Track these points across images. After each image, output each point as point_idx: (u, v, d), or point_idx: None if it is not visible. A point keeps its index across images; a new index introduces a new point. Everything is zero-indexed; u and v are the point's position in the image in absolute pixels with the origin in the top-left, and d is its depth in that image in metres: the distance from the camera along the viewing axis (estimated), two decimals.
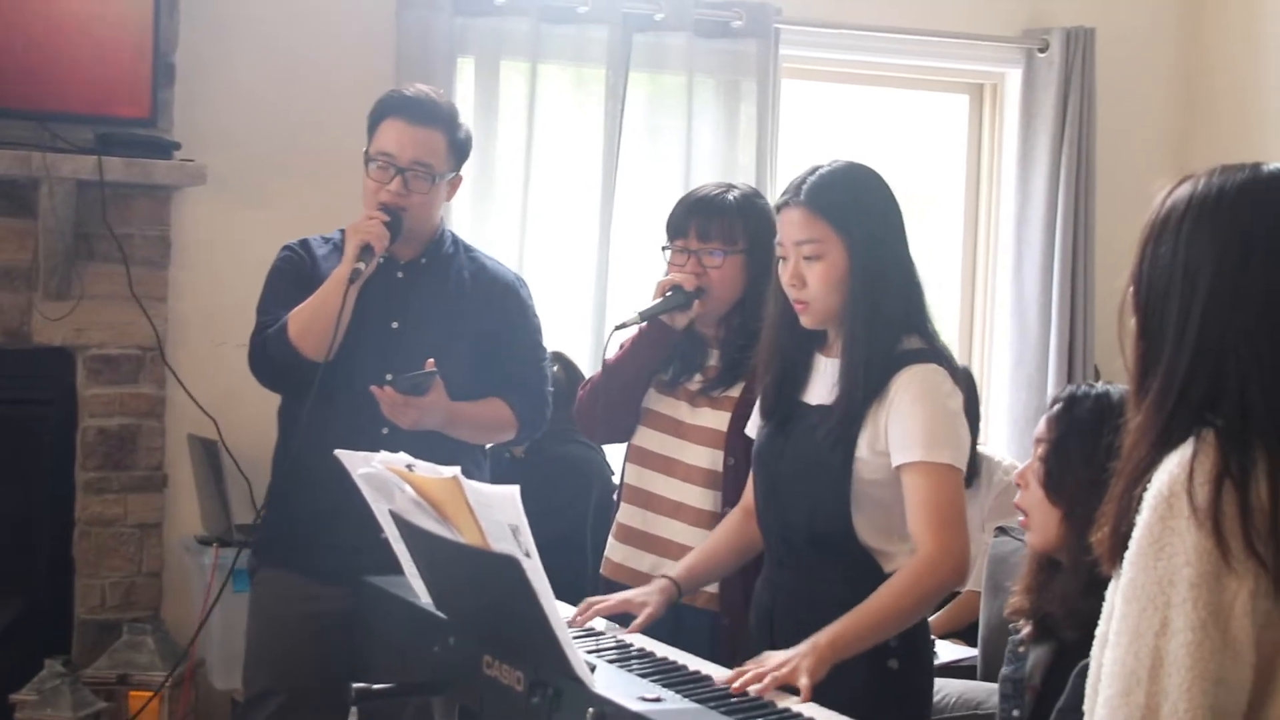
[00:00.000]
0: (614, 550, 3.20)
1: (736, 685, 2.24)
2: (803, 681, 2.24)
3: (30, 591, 4.41)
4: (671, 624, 2.82)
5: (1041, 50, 5.35)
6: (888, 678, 2.53)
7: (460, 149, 3.26)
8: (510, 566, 2.09)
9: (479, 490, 2.15)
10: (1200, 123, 5.56)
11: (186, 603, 4.40)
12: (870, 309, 2.55)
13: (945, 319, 5.60)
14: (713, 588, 2.99)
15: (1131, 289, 1.72)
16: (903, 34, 5.24)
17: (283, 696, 3.18)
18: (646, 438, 3.16)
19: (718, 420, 3.03)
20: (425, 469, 2.28)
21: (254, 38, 4.53)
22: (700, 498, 3.04)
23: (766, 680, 2.24)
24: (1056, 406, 2.25)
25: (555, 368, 4.42)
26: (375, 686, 2.61)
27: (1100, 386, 2.25)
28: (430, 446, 3.01)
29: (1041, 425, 2.27)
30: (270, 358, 3.14)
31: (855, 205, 2.59)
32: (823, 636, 2.36)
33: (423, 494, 2.26)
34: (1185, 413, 1.62)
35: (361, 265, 3.06)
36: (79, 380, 4.34)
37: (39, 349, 4.31)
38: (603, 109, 4.83)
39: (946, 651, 3.96)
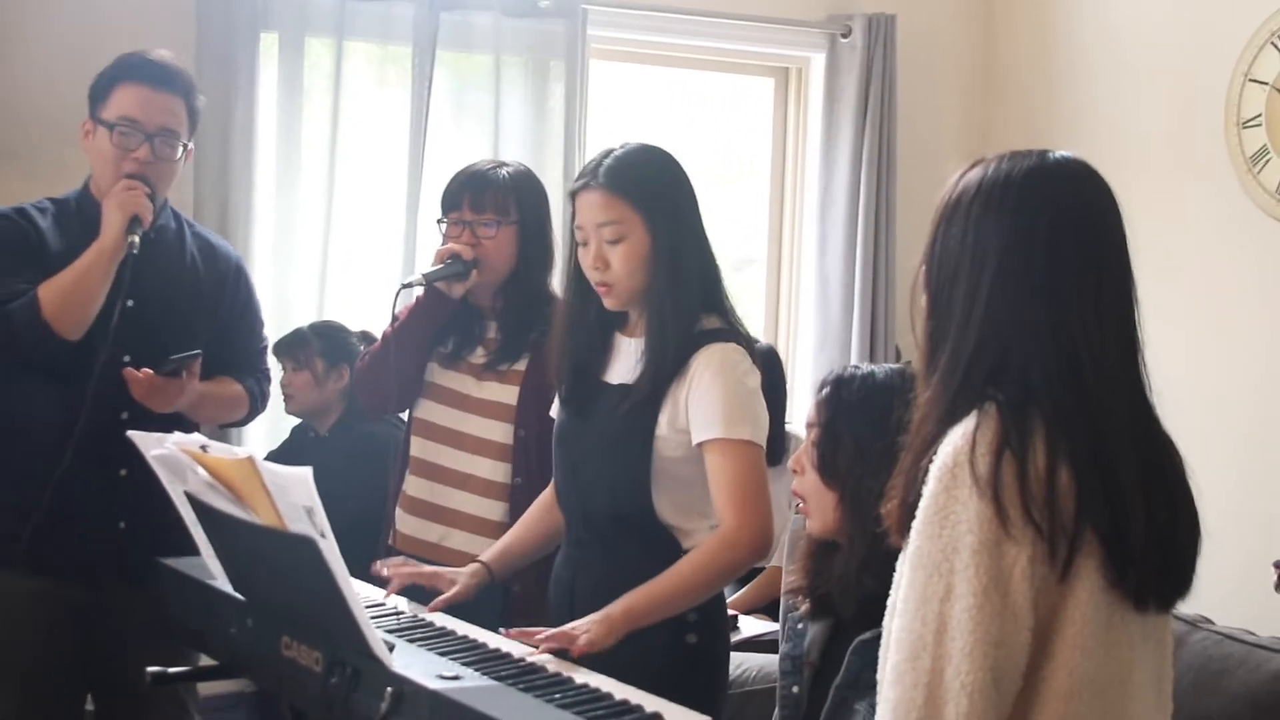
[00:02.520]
0: (403, 522, 3.23)
1: (514, 634, 2.30)
2: (580, 640, 2.30)
3: None
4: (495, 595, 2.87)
5: (844, 35, 5.44)
6: (686, 652, 2.58)
7: (195, 118, 3.17)
8: (306, 547, 2.07)
9: (274, 471, 2.12)
10: (996, 108, 5.73)
11: None
12: (673, 288, 2.59)
13: (752, 300, 5.68)
14: None
15: (923, 268, 1.78)
16: (708, 17, 5.30)
17: (16, 702, 3.05)
18: (431, 411, 3.20)
19: (506, 394, 3.10)
20: (219, 450, 2.25)
21: (47, 10, 4.39)
22: (491, 469, 3.11)
23: (544, 640, 2.30)
24: (825, 390, 2.27)
25: (363, 346, 4.40)
26: (171, 670, 2.58)
27: (866, 367, 2.29)
28: (168, 429, 2.94)
29: (811, 410, 2.30)
30: (15, 335, 2.93)
31: (653, 186, 2.63)
32: (616, 606, 2.42)
33: (216, 475, 2.23)
34: (970, 388, 1.68)
35: (136, 239, 2.95)
36: None
37: None
38: (410, 88, 4.79)
39: (749, 626, 4.03)
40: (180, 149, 3.11)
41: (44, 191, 4.31)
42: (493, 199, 3.13)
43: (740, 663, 3.66)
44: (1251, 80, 4.61)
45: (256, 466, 2.13)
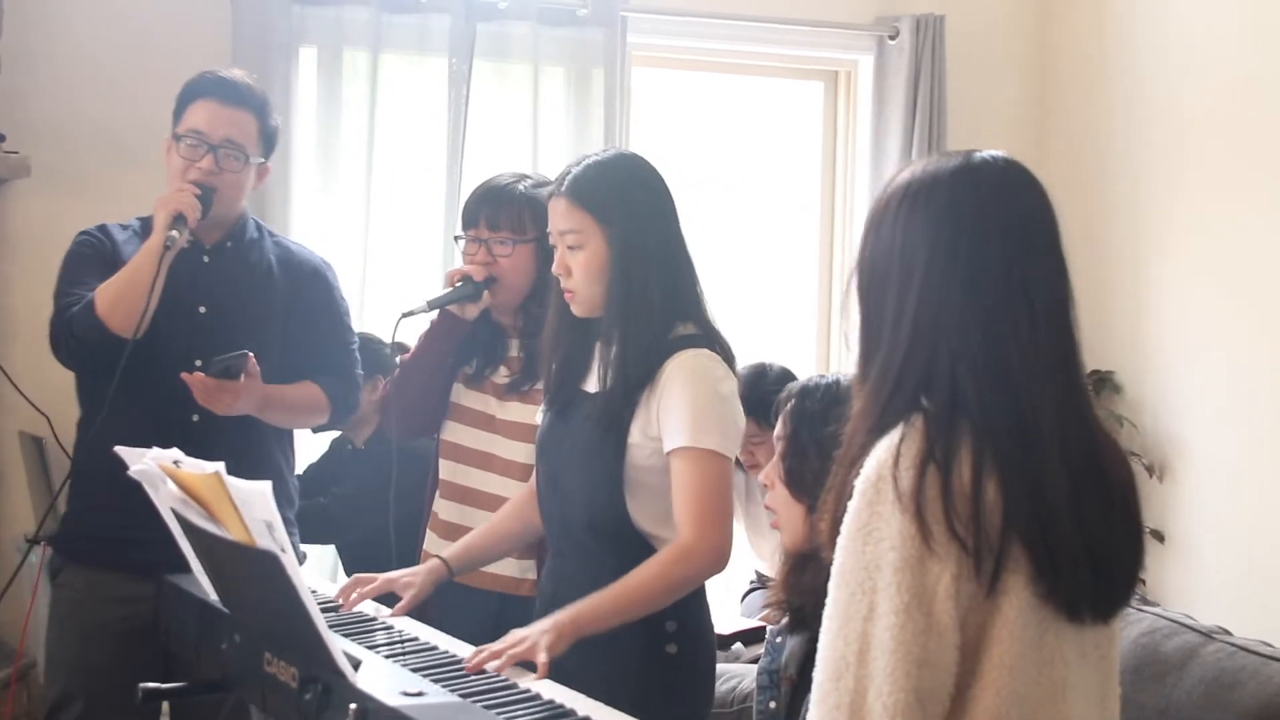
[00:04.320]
0: (432, 544, 3.18)
1: (473, 664, 2.26)
2: (540, 658, 2.27)
3: None
4: (496, 612, 2.85)
5: (892, 37, 5.37)
6: (666, 662, 2.55)
7: (270, 137, 3.23)
8: (269, 562, 2.06)
9: (238, 487, 2.11)
10: (1050, 109, 5.62)
11: (19, 604, 4.31)
12: (629, 297, 2.57)
13: (803, 304, 5.63)
14: (534, 575, 2.99)
15: (855, 277, 1.73)
16: (752, 21, 5.25)
17: (82, 702, 3.10)
18: (458, 433, 3.15)
19: (528, 414, 3.02)
20: (191, 465, 2.24)
21: (84, 29, 4.46)
22: (517, 491, 3.02)
23: (504, 658, 2.27)
24: (790, 402, 2.24)
25: (399, 358, 4.40)
26: (164, 686, 2.58)
27: (831, 376, 2.25)
28: (242, 432, 3.03)
29: (779, 423, 2.27)
30: (75, 336, 3.01)
31: (615, 195, 2.61)
32: (565, 614, 2.39)
33: (187, 490, 2.22)
34: (901, 398, 1.63)
35: (175, 233, 2.99)
36: None
37: None
38: (447, 99, 4.79)
39: None
40: (245, 161, 3.16)
41: (83, 210, 4.37)
42: (508, 217, 3.06)
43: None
44: None
45: (223, 481, 2.12)
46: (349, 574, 4.10)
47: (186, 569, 2.77)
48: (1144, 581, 5.16)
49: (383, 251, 4.79)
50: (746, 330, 5.33)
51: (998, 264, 1.63)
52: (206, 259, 3.17)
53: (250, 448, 3.11)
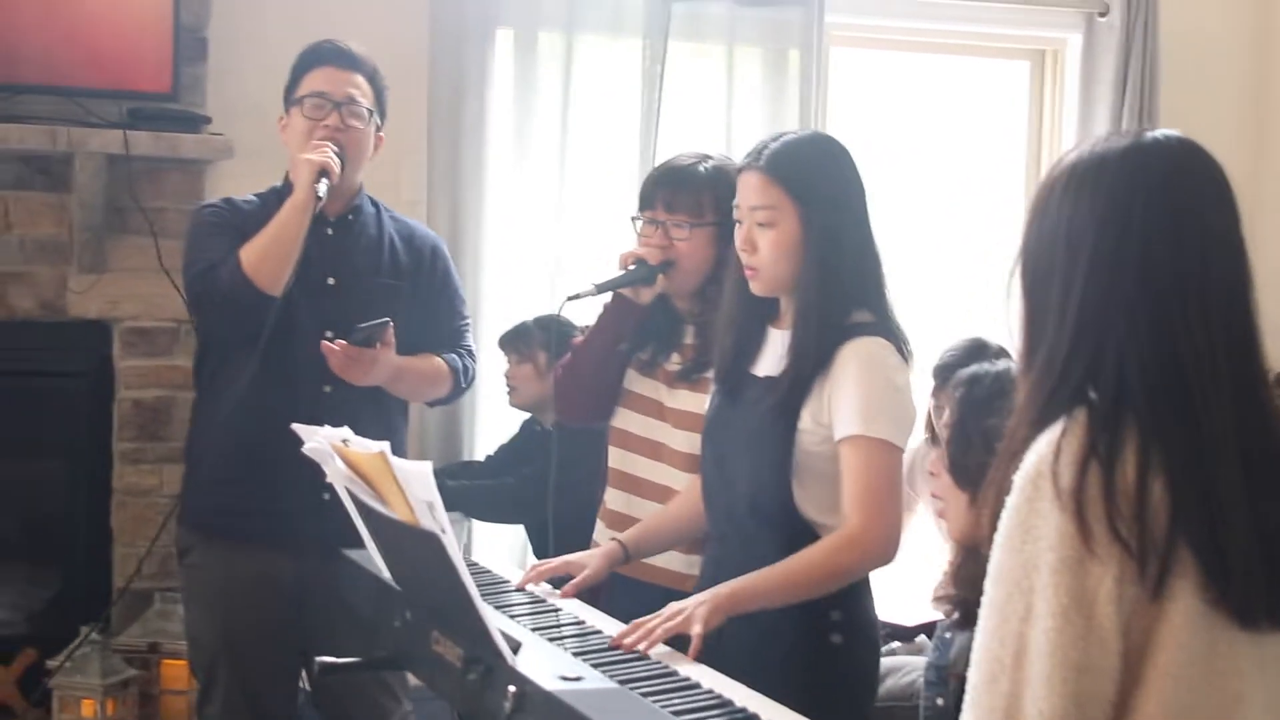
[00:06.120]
0: (601, 534, 3.13)
1: (628, 643, 2.26)
2: (695, 629, 2.26)
3: (70, 561, 4.48)
4: (661, 606, 2.82)
5: (1102, 14, 5.18)
6: (830, 653, 2.50)
7: (382, 102, 3.28)
8: (432, 543, 2.06)
9: (401, 466, 2.12)
10: (1271, 91, 5.36)
11: None
12: (821, 280, 2.52)
13: (1004, 289, 5.48)
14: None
15: (1019, 266, 1.66)
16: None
17: (226, 678, 3.16)
18: (628, 420, 3.09)
19: (697, 403, 2.91)
20: (358, 444, 2.26)
21: (286, 13, 4.52)
22: (685, 482, 2.95)
23: (657, 632, 2.26)
24: (959, 391, 2.18)
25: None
26: (340, 661, 2.61)
27: (1002, 364, 2.17)
28: (371, 404, 3.09)
29: (947, 411, 2.21)
30: (222, 293, 3.03)
31: (814, 175, 2.55)
32: (723, 588, 2.37)
33: (354, 468, 2.24)
34: (1065, 391, 1.55)
35: (324, 184, 3.03)
36: (115, 352, 4.39)
37: (74, 322, 4.36)
38: (641, 80, 4.78)
39: None
40: (369, 118, 3.20)
41: None
42: (686, 199, 2.95)
43: None
44: None
45: (389, 461, 2.13)
46: (537, 554, 4.12)
47: (331, 540, 2.77)
48: None
49: (576, 232, 4.79)
50: (948, 313, 5.22)
51: (1168, 249, 1.54)
52: (330, 231, 3.19)
53: (379, 421, 3.11)
